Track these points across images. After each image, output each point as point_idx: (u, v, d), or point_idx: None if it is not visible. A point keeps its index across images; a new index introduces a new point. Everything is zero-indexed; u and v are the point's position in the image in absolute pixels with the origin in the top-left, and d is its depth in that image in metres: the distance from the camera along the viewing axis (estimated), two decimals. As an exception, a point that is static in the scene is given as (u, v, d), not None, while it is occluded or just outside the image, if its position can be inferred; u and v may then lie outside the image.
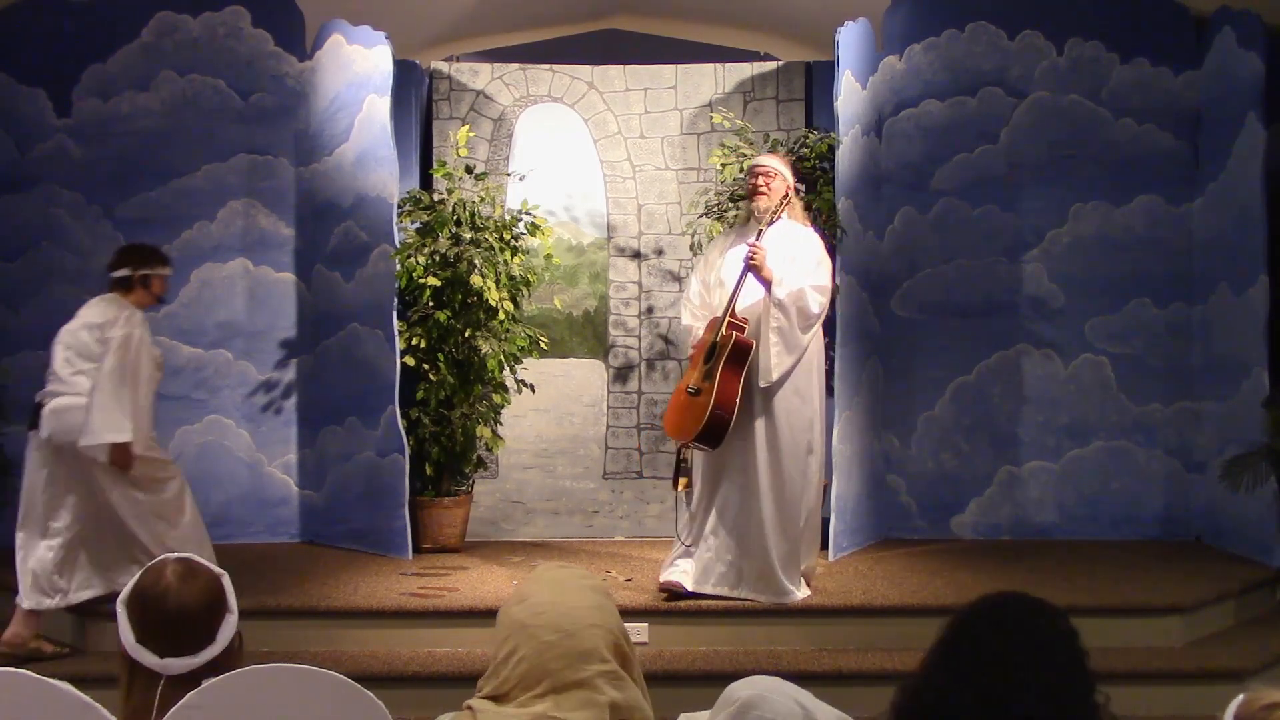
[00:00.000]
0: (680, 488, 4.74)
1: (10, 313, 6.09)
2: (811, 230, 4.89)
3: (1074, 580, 5.15)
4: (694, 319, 4.88)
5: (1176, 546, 5.95)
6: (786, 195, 4.78)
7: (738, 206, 5.00)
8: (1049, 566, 5.45)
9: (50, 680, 1.83)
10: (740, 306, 4.64)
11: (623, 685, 1.81)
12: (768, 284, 4.62)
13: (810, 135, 5.94)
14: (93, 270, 6.07)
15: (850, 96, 5.68)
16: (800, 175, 5.95)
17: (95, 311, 4.72)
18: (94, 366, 4.58)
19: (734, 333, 4.57)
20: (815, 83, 6.40)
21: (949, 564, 5.50)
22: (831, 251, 5.10)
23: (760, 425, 4.65)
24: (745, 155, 5.88)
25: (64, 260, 6.10)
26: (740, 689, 1.73)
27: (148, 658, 1.92)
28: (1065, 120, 6.18)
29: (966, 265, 6.24)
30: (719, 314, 4.67)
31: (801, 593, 4.78)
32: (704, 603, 4.75)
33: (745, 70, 6.47)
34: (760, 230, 4.68)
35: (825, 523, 5.66)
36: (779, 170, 4.84)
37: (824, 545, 5.61)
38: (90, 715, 1.82)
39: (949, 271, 6.25)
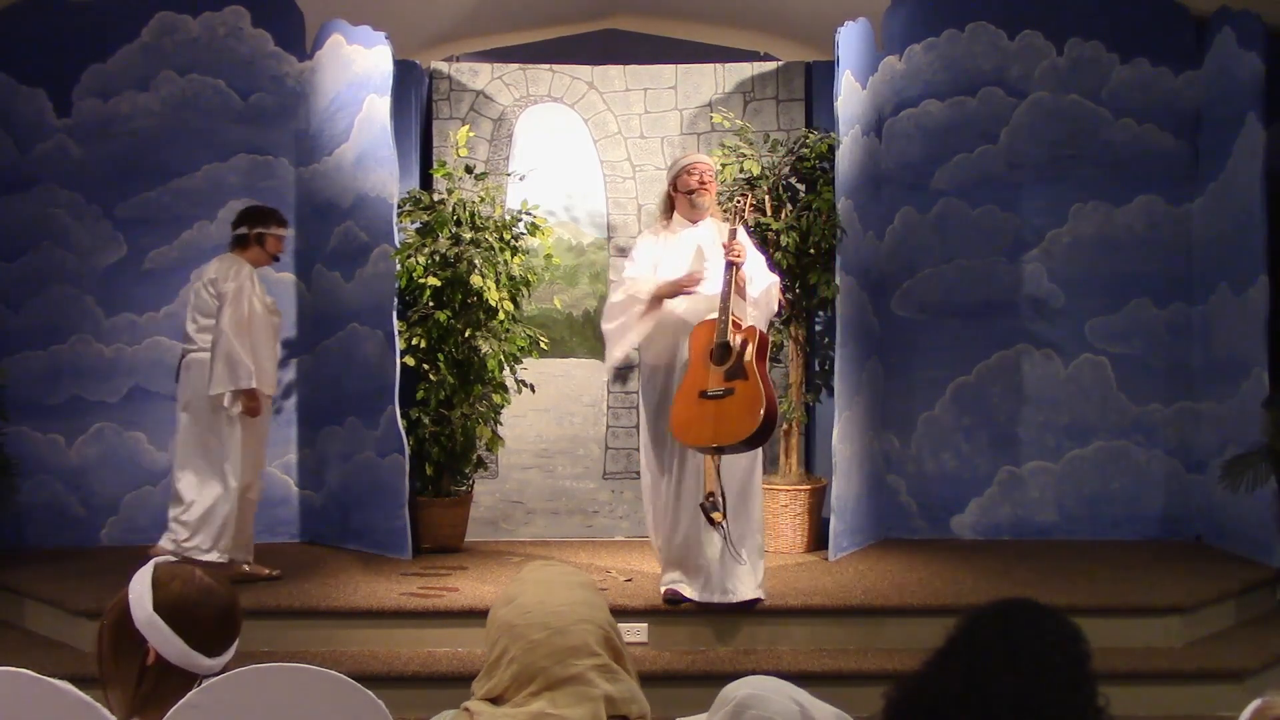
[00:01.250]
0: (719, 519, 4.51)
1: (10, 313, 6.08)
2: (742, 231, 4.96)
3: (1074, 580, 5.15)
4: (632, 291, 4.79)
5: (1176, 546, 5.95)
6: (747, 198, 4.91)
7: (734, 204, 5.00)
8: (1049, 566, 5.45)
9: (50, 680, 1.83)
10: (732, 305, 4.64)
11: (616, 677, 1.81)
12: (742, 281, 4.64)
13: (810, 135, 5.94)
14: (93, 270, 6.10)
15: (850, 96, 5.67)
16: (800, 175, 5.98)
17: (211, 269, 5.17)
18: (213, 321, 5.05)
19: (756, 328, 4.57)
20: (815, 83, 6.40)
21: (949, 564, 5.50)
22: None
23: None
24: (745, 155, 5.88)
25: (64, 260, 6.09)
26: (737, 688, 1.73)
27: (200, 661, 1.93)
28: (1065, 120, 6.18)
29: (966, 265, 6.24)
30: (715, 316, 4.55)
31: (762, 592, 4.77)
32: (704, 603, 4.75)
33: (745, 70, 6.47)
34: (734, 229, 4.66)
35: (825, 522, 5.68)
36: (716, 170, 5.01)
37: (824, 545, 5.64)
38: (90, 715, 1.82)
39: (949, 271, 6.25)
